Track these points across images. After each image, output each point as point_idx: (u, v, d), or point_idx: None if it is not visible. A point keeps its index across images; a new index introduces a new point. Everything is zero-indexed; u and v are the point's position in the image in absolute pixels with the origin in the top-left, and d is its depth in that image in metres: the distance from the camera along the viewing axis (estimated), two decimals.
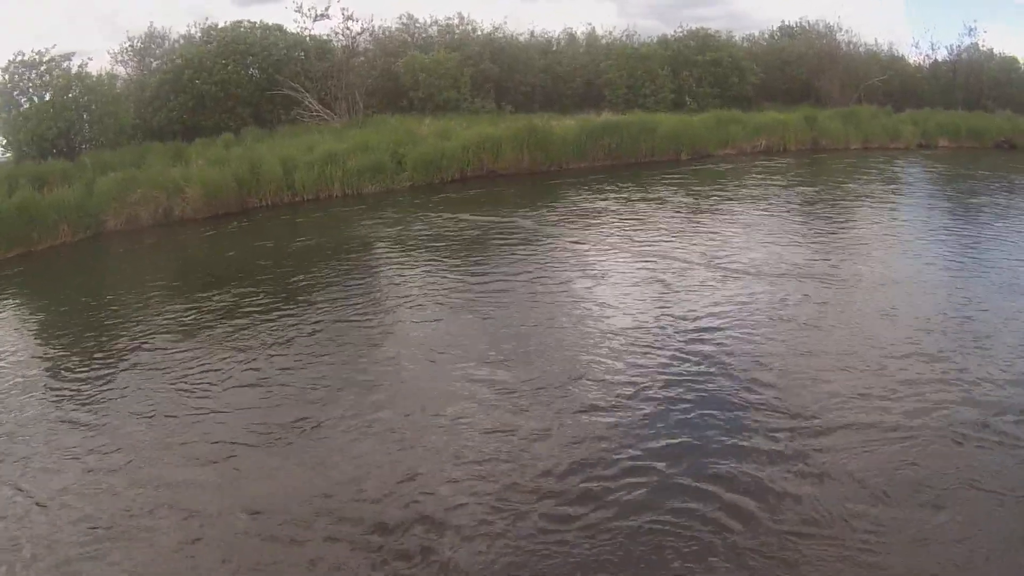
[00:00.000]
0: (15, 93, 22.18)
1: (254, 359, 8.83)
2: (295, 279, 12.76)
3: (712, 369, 7.59)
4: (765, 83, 32.72)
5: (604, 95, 29.82)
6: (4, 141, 22.47)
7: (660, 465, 5.84)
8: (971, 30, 34.68)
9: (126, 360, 9.32)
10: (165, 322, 10.98)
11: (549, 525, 5.20)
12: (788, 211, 16.22)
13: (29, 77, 22.21)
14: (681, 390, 7.11)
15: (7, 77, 22.09)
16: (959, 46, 34.84)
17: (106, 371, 8.94)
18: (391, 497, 5.71)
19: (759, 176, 21.19)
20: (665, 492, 5.50)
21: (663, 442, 6.20)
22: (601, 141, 23.97)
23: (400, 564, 4.96)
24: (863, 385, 7.08)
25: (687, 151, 25.01)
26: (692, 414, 6.64)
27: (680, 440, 6.21)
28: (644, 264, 11.88)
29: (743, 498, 5.36)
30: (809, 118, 28.00)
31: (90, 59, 23.85)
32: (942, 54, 35.84)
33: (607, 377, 7.53)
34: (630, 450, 6.09)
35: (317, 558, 5.12)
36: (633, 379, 7.43)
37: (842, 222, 15.11)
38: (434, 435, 6.60)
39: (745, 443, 6.10)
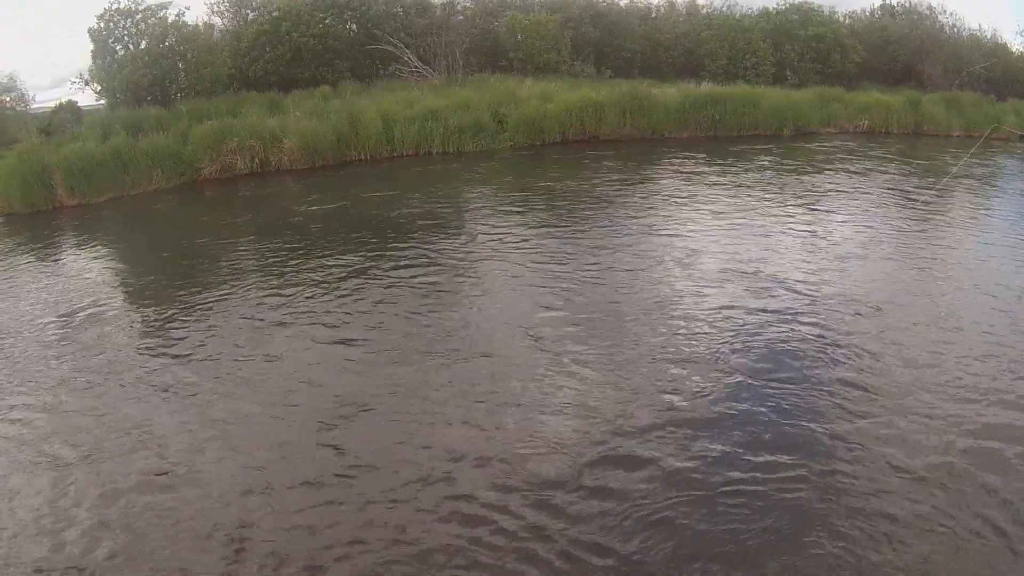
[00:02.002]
0: (110, 41, 20.87)
1: (331, 307, 8.30)
2: (390, 232, 11.57)
3: (794, 346, 6.75)
4: (866, 62, 30.13)
5: (704, 65, 27.62)
6: (99, 87, 21.22)
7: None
8: None
9: (208, 298, 8.90)
10: (254, 267, 10.21)
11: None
12: (902, 203, 13.19)
13: (124, 25, 20.88)
14: (759, 373, 6.25)
15: (102, 25, 20.80)
16: None
17: (187, 311, 8.50)
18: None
19: (869, 159, 18.15)
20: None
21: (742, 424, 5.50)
22: (704, 111, 21.92)
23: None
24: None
25: (789, 127, 22.79)
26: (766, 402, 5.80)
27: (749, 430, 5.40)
28: (750, 244, 10.28)
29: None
30: (913, 101, 25.50)
31: (187, 8, 22.67)
32: None
33: (688, 353, 6.67)
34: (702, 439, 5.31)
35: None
36: (717, 359, 6.55)
37: (953, 217, 12.37)
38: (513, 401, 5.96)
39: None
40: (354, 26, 24.39)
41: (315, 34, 23.06)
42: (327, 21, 23.40)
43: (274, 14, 23.30)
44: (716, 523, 4.41)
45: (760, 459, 5.01)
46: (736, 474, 4.85)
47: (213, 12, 24.77)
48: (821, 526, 4.35)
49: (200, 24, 22.68)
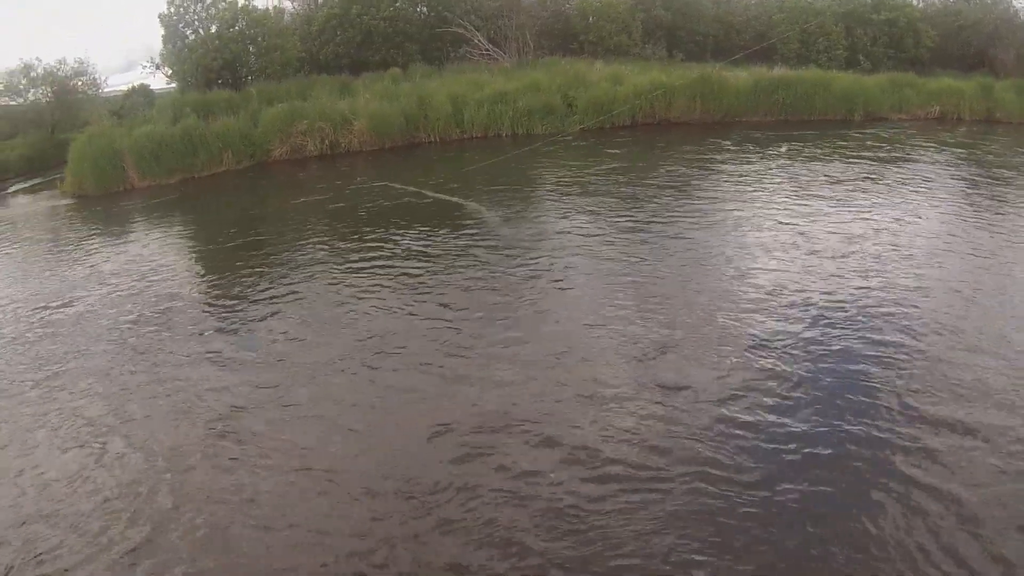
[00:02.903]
0: (180, 25, 20.44)
1: (397, 290, 7.86)
2: (458, 216, 10.94)
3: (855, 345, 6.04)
4: (939, 48, 28.47)
5: (776, 48, 26.33)
6: (170, 71, 20.83)
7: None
8: None
9: (274, 281, 8.50)
10: (320, 247, 9.77)
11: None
12: (984, 196, 11.48)
13: (195, 10, 20.45)
14: (814, 364, 5.76)
15: (173, 10, 20.39)
16: None
17: (253, 293, 8.18)
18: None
19: (946, 148, 16.10)
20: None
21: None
22: (774, 96, 20.66)
23: None
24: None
25: (860, 112, 21.46)
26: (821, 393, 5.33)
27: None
28: (815, 232, 9.32)
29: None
30: (985, 87, 23.86)
31: None
32: None
33: (745, 342, 6.16)
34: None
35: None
36: (770, 348, 6.03)
37: None
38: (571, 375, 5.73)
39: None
40: (424, 8, 23.56)
41: (386, 17, 22.23)
42: (397, 4, 22.59)
43: None
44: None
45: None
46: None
47: None
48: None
49: (270, 8, 22.15)
